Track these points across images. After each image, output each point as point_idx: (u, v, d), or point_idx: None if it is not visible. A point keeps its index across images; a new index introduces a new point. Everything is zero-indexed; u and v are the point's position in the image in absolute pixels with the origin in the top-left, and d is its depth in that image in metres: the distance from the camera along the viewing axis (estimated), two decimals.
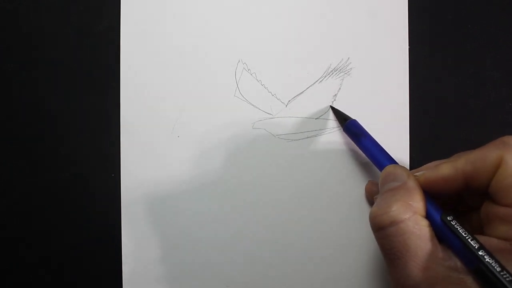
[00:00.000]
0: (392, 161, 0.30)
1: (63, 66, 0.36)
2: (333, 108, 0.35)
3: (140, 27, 0.35)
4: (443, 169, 0.25)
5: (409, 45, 0.35)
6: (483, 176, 0.24)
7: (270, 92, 0.35)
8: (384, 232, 0.24)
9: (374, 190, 0.33)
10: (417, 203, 0.24)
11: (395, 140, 0.35)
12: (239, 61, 0.35)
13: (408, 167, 0.35)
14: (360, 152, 0.34)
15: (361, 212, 0.35)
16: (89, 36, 0.36)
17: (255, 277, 0.35)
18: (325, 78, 0.35)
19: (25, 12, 0.36)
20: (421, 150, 0.35)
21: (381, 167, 0.30)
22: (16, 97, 0.36)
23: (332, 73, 0.35)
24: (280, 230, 0.35)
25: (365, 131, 0.32)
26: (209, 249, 0.35)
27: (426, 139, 0.36)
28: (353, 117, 0.34)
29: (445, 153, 0.36)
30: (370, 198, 0.34)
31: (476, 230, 0.26)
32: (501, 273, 0.22)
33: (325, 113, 0.35)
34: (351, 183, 0.35)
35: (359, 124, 0.33)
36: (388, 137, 0.35)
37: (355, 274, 0.35)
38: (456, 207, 0.28)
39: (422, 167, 0.29)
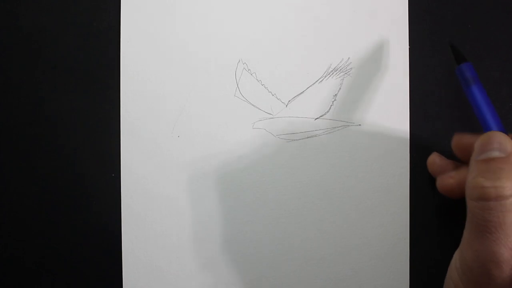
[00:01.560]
0: (498, 123, 0.28)
1: (63, 66, 0.36)
2: (451, 44, 0.32)
3: (140, 27, 0.35)
4: None
5: (409, 45, 0.35)
6: None
7: (270, 92, 0.35)
8: (486, 204, 0.24)
9: (438, 163, 0.32)
10: None
11: (395, 140, 0.35)
12: (239, 61, 0.35)
13: (408, 167, 0.35)
14: (360, 153, 0.34)
15: (362, 212, 0.35)
16: (89, 36, 0.36)
17: (255, 277, 0.35)
18: (325, 78, 0.35)
19: (25, 12, 0.36)
20: (422, 150, 0.35)
21: (484, 124, 0.29)
22: (16, 97, 0.36)
23: (332, 73, 0.35)
24: (280, 230, 0.35)
25: (478, 80, 0.30)
26: (209, 249, 0.35)
27: (426, 139, 0.36)
28: (353, 117, 0.34)
29: (445, 153, 0.36)
30: (435, 172, 0.33)
31: None
32: None
33: (325, 113, 0.35)
34: (351, 183, 0.35)
35: (474, 71, 0.30)
36: (388, 137, 0.35)
37: (355, 274, 0.35)
38: None
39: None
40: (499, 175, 0.24)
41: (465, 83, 0.30)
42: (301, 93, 0.35)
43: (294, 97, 0.35)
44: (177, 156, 0.35)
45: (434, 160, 0.32)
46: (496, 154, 0.25)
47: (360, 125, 0.35)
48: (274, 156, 0.35)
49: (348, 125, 0.35)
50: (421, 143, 0.35)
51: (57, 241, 0.36)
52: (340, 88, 0.35)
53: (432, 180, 0.36)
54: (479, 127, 0.36)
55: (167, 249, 0.35)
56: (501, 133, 0.27)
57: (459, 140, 0.32)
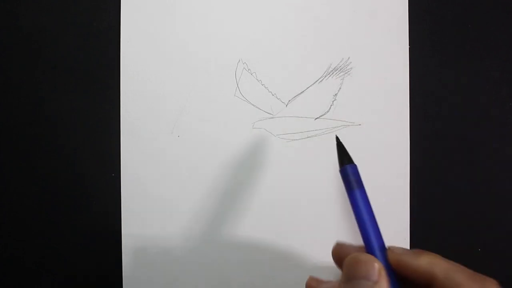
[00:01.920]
0: (377, 235, 0.26)
1: (63, 66, 0.36)
2: (338, 141, 0.29)
3: (140, 27, 0.35)
4: (422, 260, 0.23)
5: (409, 45, 0.35)
6: None
7: (270, 92, 0.35)
8: None
9: (343, 254, 0.28)
10: None
11: (395, 140, 0.35)
12: (239, 61, 0.35)
13: (408, 167, 0.35)
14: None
15: None
16: (89, 36, 0.36)
17: (255, 277, 0.35)
18: (325, 78, 0.35)
19: (25, 12, 0.36)
20: (421, 150, 0.35)
21: (363, 234, 0.26)
22: (16, 97, 0.36)
23: (332, 73, 0.35)
24: (280, 230, 0.35)
25: (362, 184, 0.27)
26: (209, 249, 0.35)
27: (426, 139, 0.36)
28: (353, 117, 0.34)
29: (445, 153, 0.36)
30: (338, 264, 0.29)
31: None
32: None
33: (325, 113, 0.35)
34: None
35: (359, 174, 0.28)
36: (388, 137, 0.35)
37: None
38: None
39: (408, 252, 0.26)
40: None
41: (348, 186, 0.27)
42: (301, 93, 0.35)
43: (294, 97, 0.35)
44: (177, 156, 0.35)
45: (340, 252, 0.29)
46: (362, 283, 0.24)
47: (360, 125, 0.35)
48: (274, 156, 0.35)
49: (348, 125, 0.35)
50: (421, 143, 0.35)
51: (57, 241, 0.36)
52: (340, 88, 0.35)
53: (432, 180, 0.36)
54: (479, 127, 0.36)
55: (167, 249, 0.35)
56: (369, 257, 0.25)
57: (338, 249, 0.29)
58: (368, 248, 0.26)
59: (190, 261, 0.35)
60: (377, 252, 0.25)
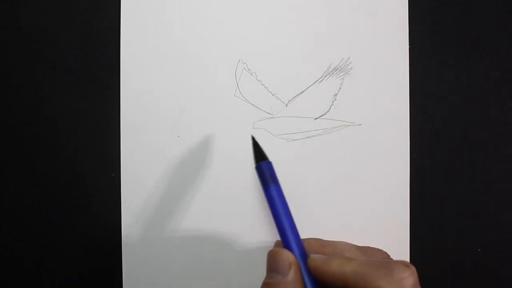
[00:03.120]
0: (292, 227, 0.27)
1: (63, 66, 0.36)
2: (253, 140, 0.30)
3: (140, 27, 0.35)
4: (333, 266, 0.24)
5: (409, 45, 0.35)
6: None
7: (270, 92, 0.35)
8: None
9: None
10: None
11: (395, 139, 0.35)
12: (239, 61, 0.35)
13: (408, 167, 0.35)
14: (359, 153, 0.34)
15: (362, 211, 0.35)
16: (89, 36, 0.36)
17: (255, 277, 0.35)
18: (325, 78, 0.35)
19: (25, 12, 0.36)
20: (421, 150, 0.35)
21: (279, 228, 0.27)
22: (16, 97, 0.36)
23: (332, 73, 0.35)
24: None
25: (277, 179, 0.28)
26: (209, 249, 0.35)
27: (426, 139, 0.36)
28: (353, 117, 0.34)
29: (445, 153, 0.36)
30: None
31: None
32: None
33: (325, 113, 0.35)
34: (351, 183, 0.35)
35: (273, 170, 0.28)
36: (388, 137, 0.35)
37: None
38: None
39: (325, 243, 0.27)
40: None
41: (264, 182, 0.28)
42: (301, 93, 0.35)
43: (294, 97, 0.35)
44: (177, 156, 0.35)
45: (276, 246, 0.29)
46: (274, 277, 0.25)
47: (360, 125, 0.35)
48: (274, 156, 0.35)
49: (348, 125, 0.35)
50: (421, 143, 0.35)
51: (57, 241, 0.36)
52: (340, 88, 0.35)
53: (432, 180, 0.36)
54: (479, 127, 0.36)
55: (167, 249, 0.35)
56: (281, 249, 0.25)
57: (276, 245, 0.29)
58: (284, 243, 0.26)
59: (190, 261, 0.35)
60: (293, 245, 0.26)
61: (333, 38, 0.35)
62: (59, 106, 0.36)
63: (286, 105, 0.35)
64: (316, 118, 0.35)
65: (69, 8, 0.36)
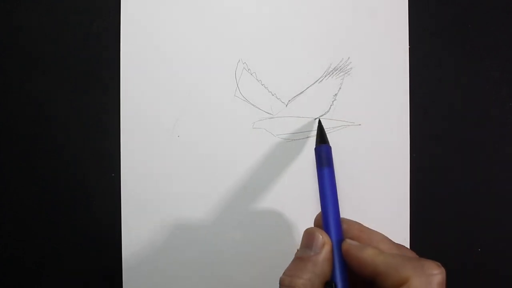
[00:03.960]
0: (335, 213, 0.27)
1: (63, 66, 0.36)
2: (319, 124, 0.32)
3: (140, 27, 0.35)
4: (366, 253, 0.24)
5: (409, 45, 0.35)
6: (387, 284, 0.23)
7: (270, 92, 0.35)
8: None
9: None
10: (318, 279, 0.25)
11: (395, 139, 0.35)
12: (239, 61, 0.35)
13: (408, 167, 0.35)
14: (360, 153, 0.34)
15: (362, 212, 0.35)
16: (89, 36, 0.36)
17: (255, 277, 0.35)
18: (325, 78, 0.35)
19: (25, 12, 0.36)
20: (421, 150, 0.35)
21: (323, 209, 0.28)
22: (16, 97, 0.36)
23: (332, 73, 0.35)
24: (280, 230, 0.35)
25: (332, 165, 0.29)
26: (209, 249, 0.35)
27: (426, 139, 0.36)
28: (353, 117, 0.34)
29: (445, 153, 0.36)
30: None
31: None
32: None
33: (325, 113, 0.35)
34: (351, 182, 0.35)
35: (332, 156, 0.30)
36: (388, 136, 0.35)
37: None
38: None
39: (364, 229, 0.28)
40: (295, 272, 0.25)
41: (319, 163, 0.29)
42: (301, 93, 0.35)
43: (294, 97, 0.35)
44: (177, 156, 0.35)
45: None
46: (306, 253, 0.26)
47: (360, 125, 0.35)
48: (274, 156, 0.35)
49: (348, 125, 0.35)
50: (421, 143, 0.35)
51: (57, 241, 0.36)
52: (340, 88, 0.35)
53: (432, 180, 0.36)
54: (479, 127, 0.36)
55: (167, 249, 0.35)
56: (317, 229, 0.27)
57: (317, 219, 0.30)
58: (324, 223, 0.27)
59: (190, 261, 0.35)
60: (332, 227, 0.27)
61: (333, 38, 0.35)
62: (59, 106, 0.36)
63: (286, 105, 0.35)
64: (316, 118, 0.35)
65: (69, 8, 0.36)
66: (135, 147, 0.35)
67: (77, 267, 0.36)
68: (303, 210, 0.35)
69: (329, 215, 0.27)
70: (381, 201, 0.35)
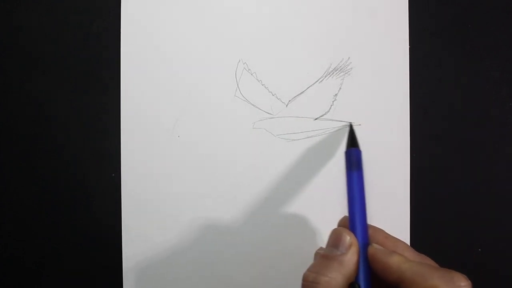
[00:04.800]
0: (362, 216, 0.28)
1: (63, 66, 0.36)
2: (351, 127, 0.33)
3: (140, 27, 0.35)
4: (392, 259, 0.25)
5: (409, 45, 0.36)
6: None
7: (271, 92, 0.35)
8: None
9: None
10: (343, 279, 0.25)
11: (395, 139, 0.35)
12: (239, 61, 0.35)
13: (408, 167, 0.35)
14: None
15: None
16: (89, 36, 0.36)
17: (255, 277, 0.35)
18: (325, 78, 0.35)
19: (25, 12, 0.36)
20: (421, 150, 0.35)
21: (350, 212, 0.28)
22: (16, 97, 0.36)
23: (332, 73, 0.35)
24: (280, 230, 0.35)
25: (362, 169, 0.29)
26: (209, 249, 0.35)
27: (426, 139, 0.36)
28: (353, 117, 0.34)
29: (445, 153, 0.36)
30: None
31: None
32: None
33: (325, 113, 0.35)
34: None
35: (362, 160, 0.30)
36: (388, 136, 0.35)
37: None
38: None
39: (389, 237, 0.28)
40: (320, 270, 0.25)
41: (349, 166, 0.29)
42: (301, 93, 0.35)
43: (294, 97, 0.35)
44: (177, 156, 0.35)
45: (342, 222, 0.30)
46: (332, 252, 0.26)
47: (360, 125, 0.35)
48: (274, 156, 0.35)
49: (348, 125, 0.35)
50: (421, 143, 0.35)
51: (57, 241, 0.36)
52: (340, 88, 0.35)
53: (432, 180, 0.36)
54: (479, 127, 0.36)
55: (167, 249, 0.35)
56: (345, 230, 0.27)
57: (343, 222, 0.31)
58: (351, 225, 0.27)
59: (190, 261, 0.35)
60: (359, 230, 0.27)
61: (333, 38, 0.35)
62: (59, 106, 0.36)
63: (286, 105, 0.35)
64: (316, 118, 0.35)
65: (69, 9, 0.36)
66: (135, 147, 0.35)
67: (77, 267, 0.36)
68: (303, 210, 0.35)
69: (356, 218, 0.27)
70: (381, 201, 0.35)
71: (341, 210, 0.35)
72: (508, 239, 0.36)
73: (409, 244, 0.35)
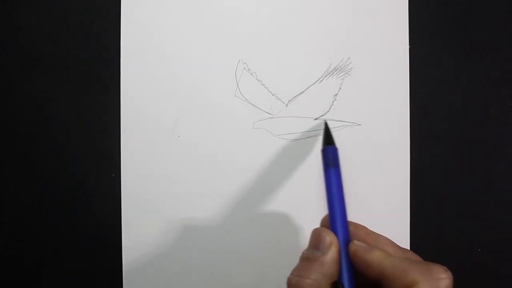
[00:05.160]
0: (342, 212, 0.28)
1: (63, 66, 0.36)
2: (326, 125, 0.32)
3: (140, 27, 0.35)
4: (373, 255, 0.24)
5: (409, 45, 0.36)
6: (394, 286, 0.23)
7: (271, 92, 0.35)
8: None
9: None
10: (326, 279, 0.25)
11: (395, 139, 0.35)
12: (239, 61, 0.35)
13: (408, 167, 0.35)
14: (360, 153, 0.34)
15: (362, 212, 0.35)
16: (89, 36, 0.36)
17: (255, 277, 0.35)
18: (325, 78, 0.35)
19: (25, 12, 0.36)
20: (421, 150, 0.35)
21: (330, 211, 0.28)
22: (16, 97, 0.36)
23: (333, 73, 0.35)
24: (280, 230, 0.35)
25: (339, 166, 0.29)
26: (209, 249, 0.35)
27: (426, 139, 0.36)
28: (353, 117, 0.34)
29: (445, 153, 0.36)
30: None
31: None
32: None
33: (325, 113, 0.35)
34: (351, 183, 0.35)
35: (338, 157, 0.29)
36: (388, 137, 0.35)
37: None
38: None
39: (370, 233, 0.28)
40: (301, 273, 0.25)
41: (326, 164, 0.29)
42: (301, 93, 0.35)
43: (294, 97, 0.35)
44: (177, 156, 0.35)
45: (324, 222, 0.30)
46: (313, 253, 0.26)
47: (360, 125, 0.35)
48: (274, 156, 0.35)
49: (348, 125, 0.35)
50: (421, 143, 0.35)
51: (57, 241, 0.36)
52: (340, 88, 0.35)
53: (432, 180, 0.36)
54: (479, 127, 0.36)
55: (167, 249, 0.35)
56: (324, 229, 0.27)
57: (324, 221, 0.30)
58: (331, 224, 0.27)
59: (190, 261, 0.35)
60: (339, 228, 0.27)
61: (333, 38, 0.35)
62: (59, 106, 0.36)
63: (286, 105, 0.35)
64: (316, 118, 0.35)
65: (69, 8, 0.36)
66: (135, 147, 0.35)
67: (77, 267, 0.36)
68: (304, 210, 0.35)
69: (336, 216, 0.27)
70: (381, 201, 0.35)
71: None
72: (508, 239, 0.36)
73: (408, 244, 0.35)
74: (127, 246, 0.35)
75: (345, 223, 0.27)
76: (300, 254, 0.35)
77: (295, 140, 0.35)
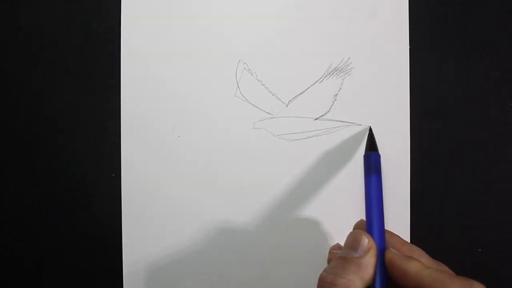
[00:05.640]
0: (380, 220, 0.28)
1: (63, 66, 0.36)
2: (370, 131, 0.34)
3: (140, 27, 0.35)
4: (411, 265, 0.25)
5: (409, 45, 0.36)
6: None
7: (271, 92, 0.35)
8: None
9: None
10: (361, 281, 0.25)
11: (396, 140, 0.35)
12: (239, 61, 0.35)
13: (408, 167, 0.35)
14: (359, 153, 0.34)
15: (362, 212, 0.35)
16: (89, 36, 0.36)
17: (255, 277, 0.35)
18: (326, 78, 0.35)
19: (25, 12, 0.36)
20: (422, 150, 0.35)
21: (368, 216, 0.28)
22: (16, 97, 0.36)
23: (333, 73, 0.35)
24: (280, 230, 0.35)
25: (380, 173, 0.30)
26: (209, 249, 0.35)
27: (426, 139, 0.36)
28: (353, 117, 0.34)
29: (445, 153, 0.36)
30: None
31: None
32: None
33: (326, 113, 0.35)
34: (351, 183, 0.35)
35: (380, 164, 0.30)
36: (388, 137, 0.35)
37: None
38: None
39: (406, 243, 0.28)
40: (338, 272, 0.25)
41: (367, 170, 0.29)
42: (301, 93, 0.35)
43: (294, 97, 0.35)
44: (177, 156, 0.35)
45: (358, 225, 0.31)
46: (350, 254, 0.26)
47: (360, 125, 0.35)
48: (274, 156, 0.35)
49: (348, 125, 0.35)
50: (421, 143, 0.35)
51: (57, 241, 0.36)
52: (340, 88, 0.35)
53: (432, 180, 0.36)
54: (479, 127, 0.36)
55: (167, 249, 0.35)
56: (363, 233, 0.27)
57: (358, 224, 0.31)
58: (368, 229, 0.27)
59: (190, 261, 0.35)
60: (376, 234, 0.27)
61: (333, 38, 0.35)
62: (59, 106, 0.36)
63: (287, 105, 0.35)
64: (316, 118, 0.35)
65: (69, 9, 0.36)
66: (135, 147, 0.35)
67: (77, 267, 0.36)
68: (304, 210, 0.35)
69: (373, 222, 0.27)
70: None
71: (342, 207, 0.35)
72: (508, 239, 0.36)
73: None
74: (127, 246, 0.35)
75: (382, 230, 0.27)
76: (300, 254, 0.35)
77: (295, 140, 0.35)
